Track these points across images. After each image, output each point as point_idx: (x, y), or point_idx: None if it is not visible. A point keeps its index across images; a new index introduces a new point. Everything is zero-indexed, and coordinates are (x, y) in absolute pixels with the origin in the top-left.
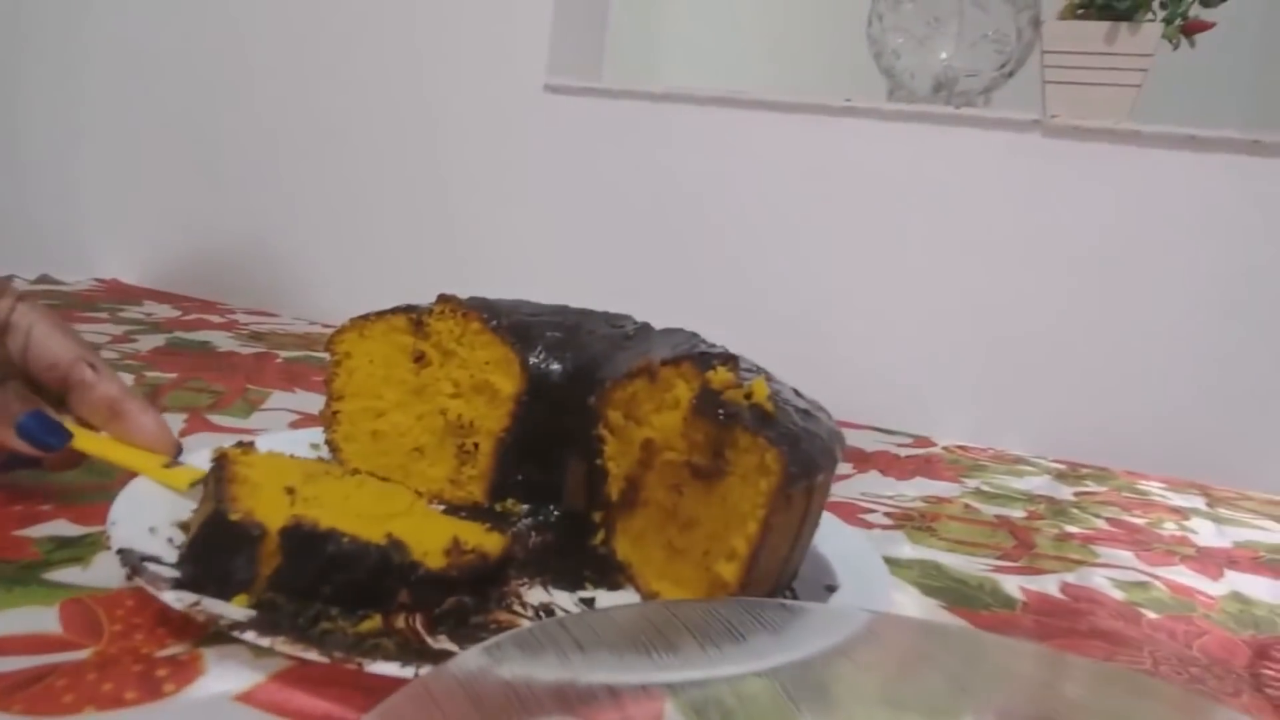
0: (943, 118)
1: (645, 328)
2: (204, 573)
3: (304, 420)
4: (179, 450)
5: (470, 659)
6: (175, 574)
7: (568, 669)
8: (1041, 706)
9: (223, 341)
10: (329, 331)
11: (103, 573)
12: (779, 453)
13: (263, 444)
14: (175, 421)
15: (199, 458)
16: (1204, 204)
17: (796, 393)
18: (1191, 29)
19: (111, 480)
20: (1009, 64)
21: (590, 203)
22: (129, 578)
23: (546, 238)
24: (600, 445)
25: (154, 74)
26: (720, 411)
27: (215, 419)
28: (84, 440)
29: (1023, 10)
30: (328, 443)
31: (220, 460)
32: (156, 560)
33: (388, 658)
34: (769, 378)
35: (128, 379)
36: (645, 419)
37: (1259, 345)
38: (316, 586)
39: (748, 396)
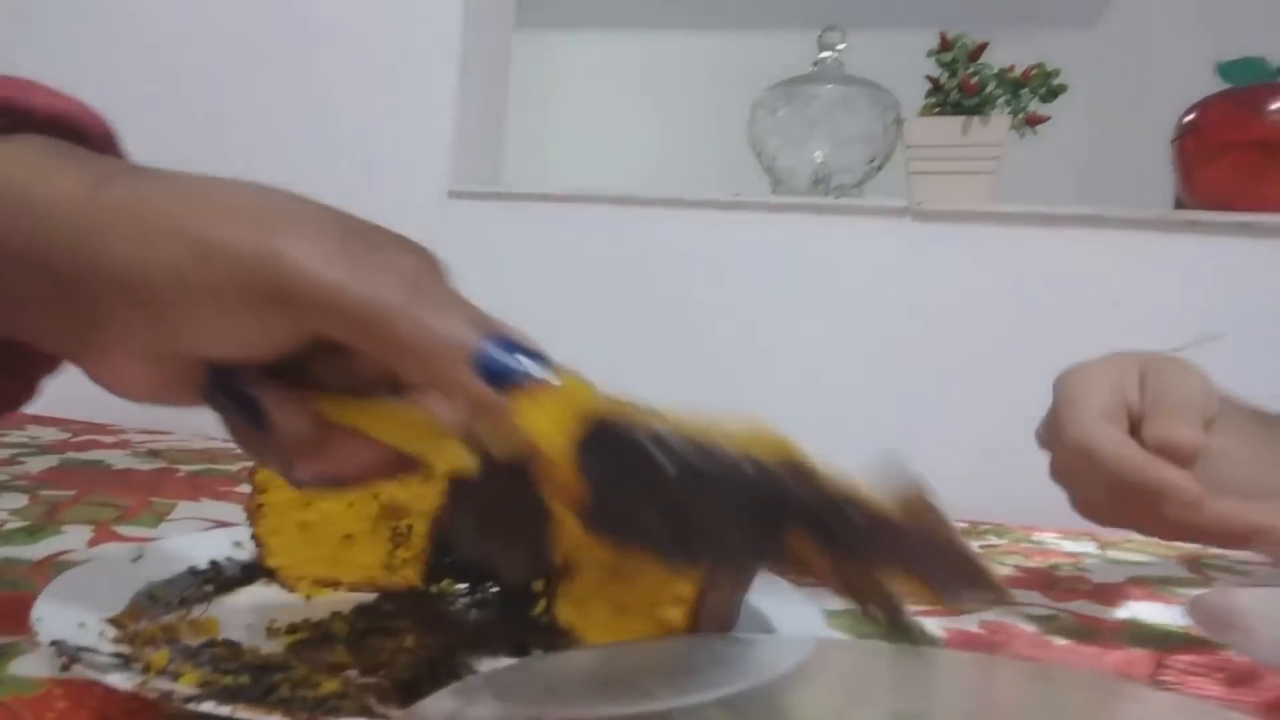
0: (822, 208)
1: None
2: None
3: (217, 526)
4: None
5: (442, 701)
6: (115, 661)
7: (537, 707)
8: (979, 702)
9: (118, 460)
10: (229, 447)
11: (26, 674)
12: None
13: (174, 545)
14: (82, 534)
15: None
16: (1062, 274)
17: None
18: (1032, 121)
19: (20, 590)
20: (877, 159)
21: (495, 303)
22: (65, 667)
23: None
24: (543, 512)
25: None
26: None
27: (123, 530)
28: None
29: (886, 111)
30: (253, 537)
31: None
32: (93, 650)
33: (352, 714)
34: None
35: (20, 500)
36: None
37: None
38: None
39: None
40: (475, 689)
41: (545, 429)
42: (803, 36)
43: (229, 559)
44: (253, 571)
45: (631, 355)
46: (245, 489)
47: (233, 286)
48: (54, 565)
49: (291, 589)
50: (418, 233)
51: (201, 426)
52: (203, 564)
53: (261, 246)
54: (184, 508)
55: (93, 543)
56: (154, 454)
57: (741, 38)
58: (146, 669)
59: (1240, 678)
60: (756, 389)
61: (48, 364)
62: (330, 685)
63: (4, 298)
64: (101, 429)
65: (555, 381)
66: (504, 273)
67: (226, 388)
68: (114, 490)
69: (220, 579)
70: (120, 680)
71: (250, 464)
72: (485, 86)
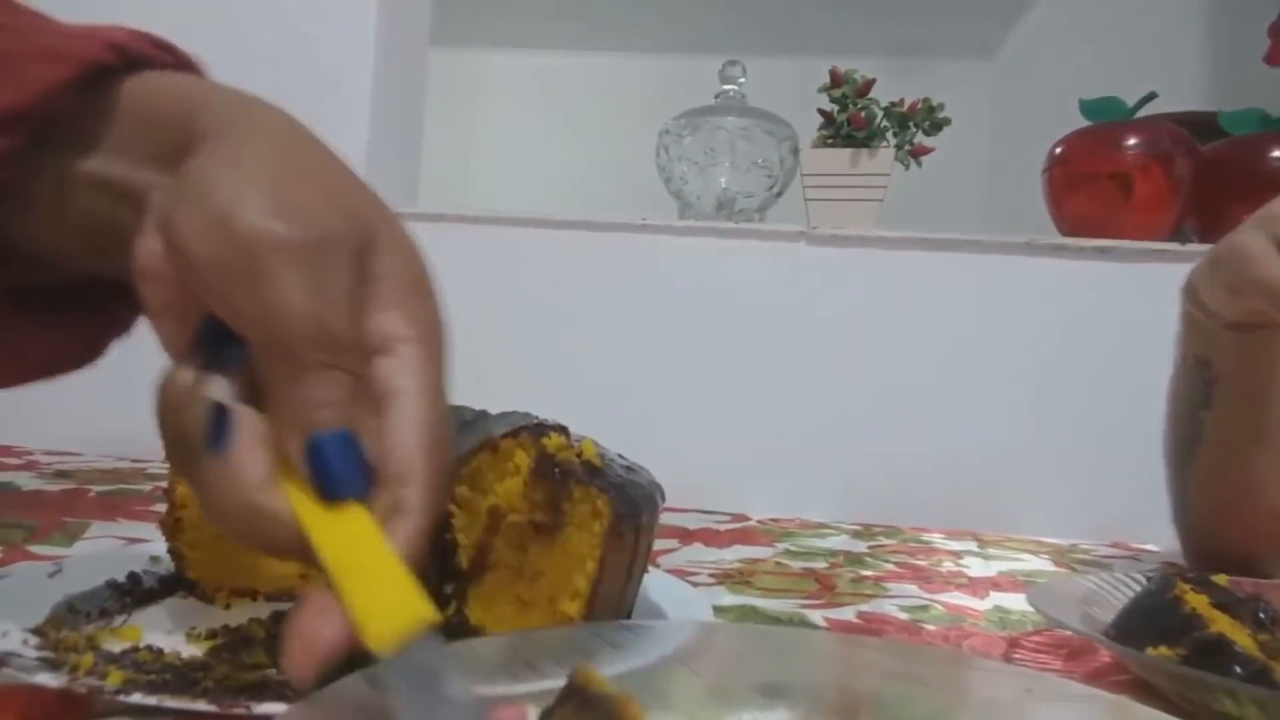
0: (725, 232)
1: (483, 413)
2: None
3: (134, 542)
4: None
5: (351, 684)
6: (42, 665)
7: (439, 688)
8: (844, 674)
9: (26, 481)
10: (140, 467)
11: None
12: (608, 498)
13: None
14: None
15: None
16: (941, 294)
17: (620, 456)
18: (917, 152)
19: None
20: (776, 185)
21: None
22: None
23: None
24: (449, 519)
25: None
26: (556, 469)
27: (36, 549)
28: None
29: (783, 141)
30: (170, 551)
31: None
32: (15, 656)
33: (277, 699)
34: (595, 442)
35: None
36: (489, 488)
37: (1008, 413)
38: None
39: (579, 455)
40: (384, 675)
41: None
42: (710, 61)
43: (147, 571)
44: (170, 584)
45: (544, 372)
46: (159, 508)
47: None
48: None
49: (211, 600)
50: None
51: (110, 447)
52: (121, 577)
53: None
54: (98, 527)
55: (3, 562)
56: (63, 475)
57: (652, 61)
58: (74, 670)
59: (1076, 652)
60: (662, 402)
61: (123, 322)
62: (250, 678)
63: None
64: (7, 450)
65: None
66: None
67: (216, 341)
68: (22, 512)
69: (139, 591)
70: (49, 679)
71: (164, 483)
72: (402, 103)
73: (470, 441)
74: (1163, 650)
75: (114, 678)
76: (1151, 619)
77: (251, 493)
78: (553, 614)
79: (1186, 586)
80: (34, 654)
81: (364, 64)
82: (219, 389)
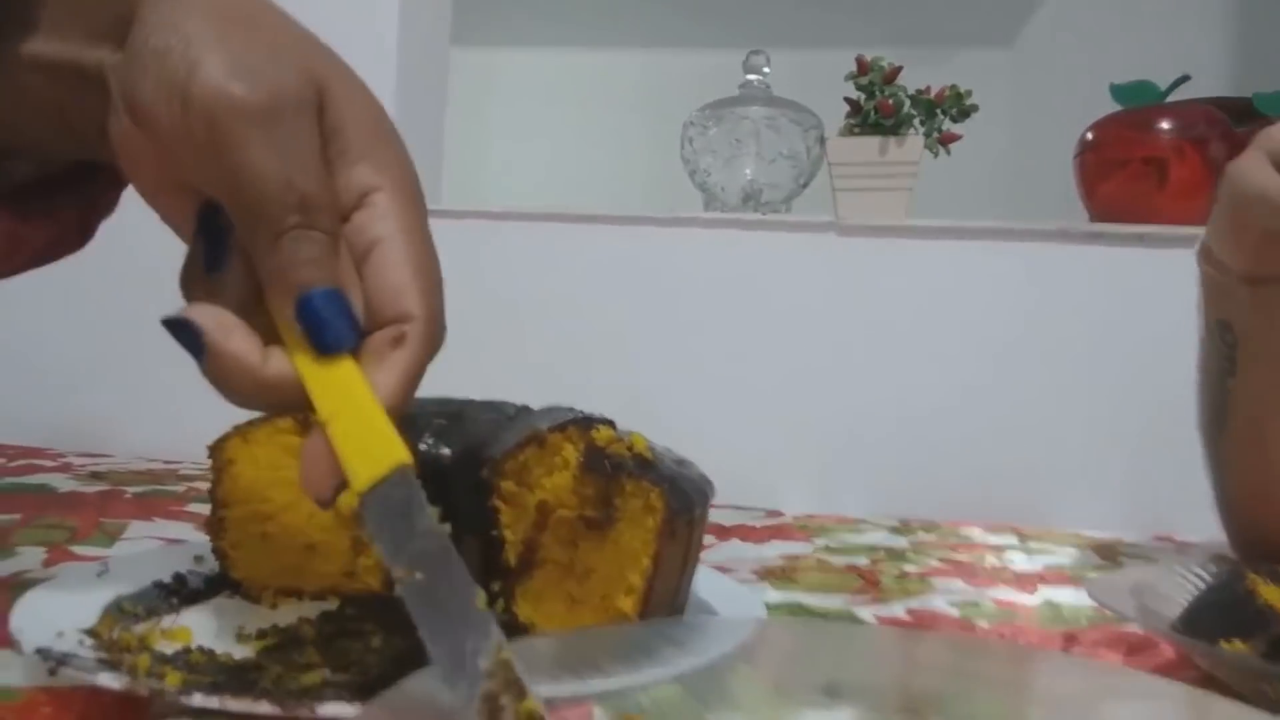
0: (752, 224)
1: (525, 408)
2: None
3: (173, 543)
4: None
5: (417, 682)
6: (99, 665)
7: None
8: (907, 670)
9: (62, 483)
10: (173, 468)
11: (8, 684)
12: (661, 491)
13: (136, 561)
14: (36, 555)
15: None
16: (974, 283)
17: (668, 449)
18: (946, 140)
19: None
20: (803, 176)
21: None
22: (52, 672)
23: None
24: (496, 515)
25: None
26: (607, 463)
27: (78, 550)
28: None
29: (809, 131)
30: (214, 550)
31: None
32: (75, 656)
33: (336, 699)
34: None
35: None
36: (537, 483)
37: (1044, 404)
38: None
39: (630, 449)
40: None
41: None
42: (732, 55)
43: (192, 572)
44: (216, 584)
45: (572, 368)
46: (194, 508)
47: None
48: (13, 586)
49: (256, 599)
50: None
51: (142, 449)
52: (167, 578)
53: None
54: (136, 527)
55: (48, 563)
56: (97, 476)
57: (674, 55)
58: (132, 671)
59: (1137, 646)
60: (691, 397)
61: (109, 202)
62: (308, 679)
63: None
64: (39, 453)
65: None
66: (446, 289)
67: (211, 220)
68: (62, 512)
69: (185, 591)
70: (110, 680)
71: (197, 484)
72: (424, 102)
73: (512, 436)
74: (1237, 644)
75: (172, 679)
76: (1223, 613)
77: (256, 371)
78: (606, 611)
79: (1259, 579)
80: (91, 654)
81: (388, 64)
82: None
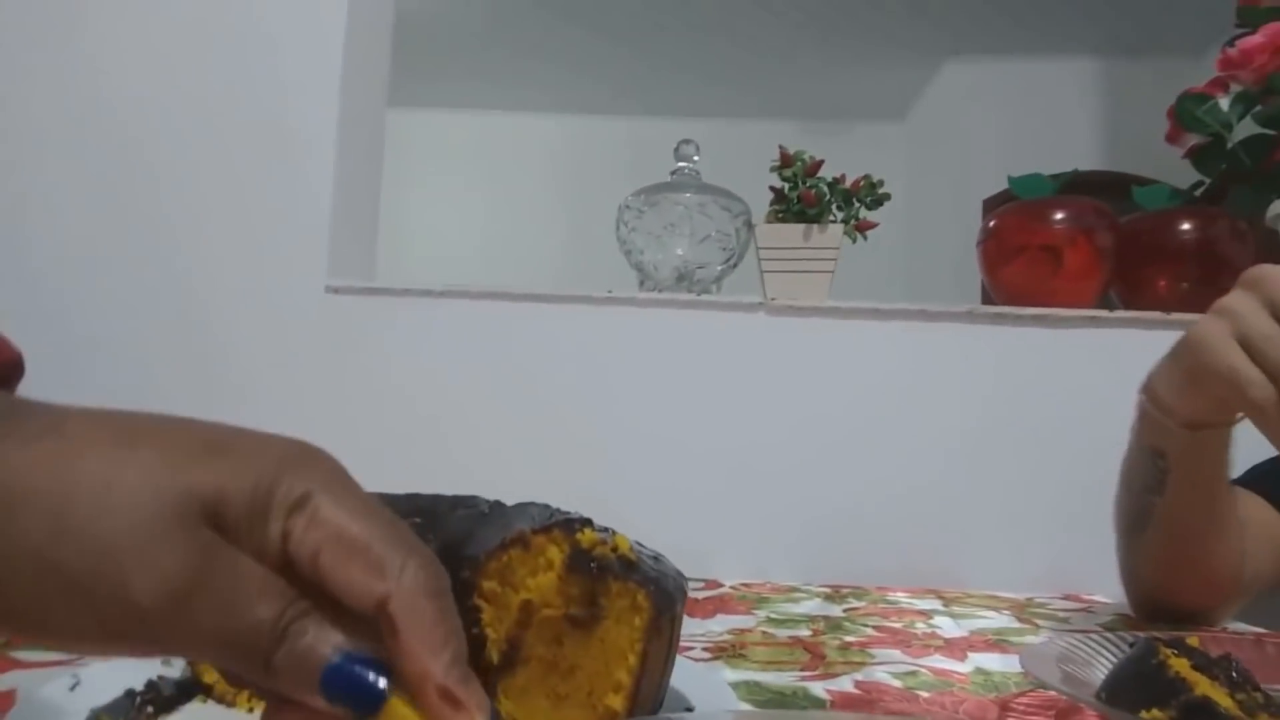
0: (686, 303)
1: (499, 504)
2: None
3: None
4: None
5: None
6: None
7: None
8: None
9: None
10: None
11: None
12: (648, 592)
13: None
14: None
15: None
16: (892, 360)
17: (640, 544)
18: (861, 227)
19: None
20: (732, 258)
21: (375, 397)
22: None
23: (334, 432)
24: (478, 614)
25: None
26: (593, 565)
27: (19, 655)
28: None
29: (738, 215)
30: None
31: None
32: None
33: None
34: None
35: None
36: (521, 583)
37: (959, 473)
38: None
39: (614, 550)
40: None
41: None
42: (659, 124)
43: (161, 678)
44: (188, 689)
45: (507, 445)
46: None
47: None
48: None
49: (230, 703)
50: (300, 328)
51: None
52: (138, 685)
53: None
54: None
55: None
56: None
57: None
58: None
59: (1065, 712)
60: (628, 472)
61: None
62: None
63: None
64: None
65: None
66: (383, 367)
67: None
68: None
69: (159, 699)
70: None
71: None
72: (361, 173)
73: (491, 534)
74: (1155, 713)
75: None
76: (1139, 683)
77: None
78: (594, 708)
79: (1169, 651)
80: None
81: (327, 135)
82: None
